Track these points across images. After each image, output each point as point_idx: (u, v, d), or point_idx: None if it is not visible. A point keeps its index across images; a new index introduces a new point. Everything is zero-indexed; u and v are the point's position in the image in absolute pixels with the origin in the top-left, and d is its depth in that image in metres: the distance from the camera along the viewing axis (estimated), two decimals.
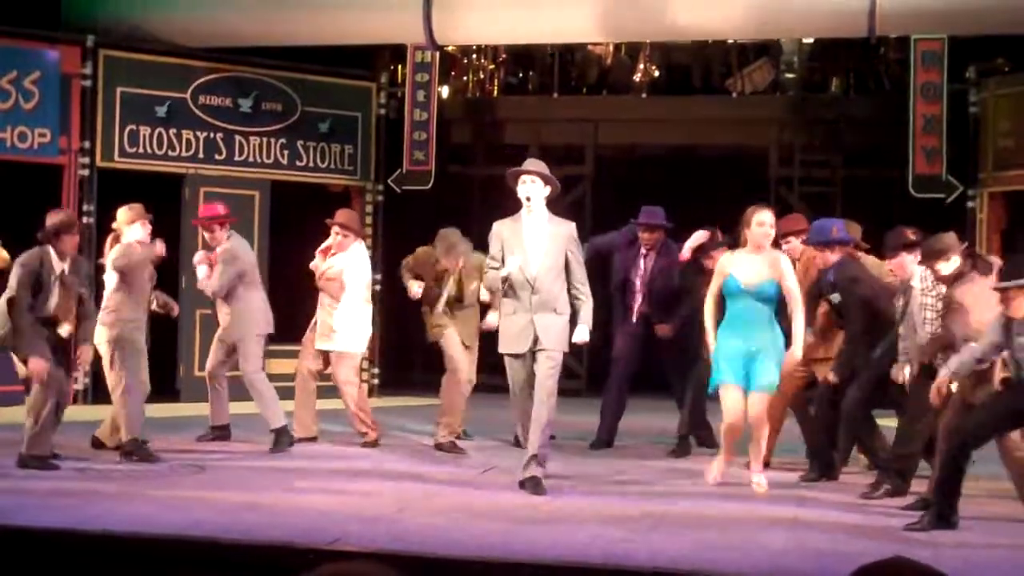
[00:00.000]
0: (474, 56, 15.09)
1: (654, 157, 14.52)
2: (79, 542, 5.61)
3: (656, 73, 14.86)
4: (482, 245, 8.23)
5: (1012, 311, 6.24)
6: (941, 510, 6.26)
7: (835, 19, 11.10)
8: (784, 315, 7.50)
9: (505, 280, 7.27)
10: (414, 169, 13.75)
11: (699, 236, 8.89)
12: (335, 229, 9.32)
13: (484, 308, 9.22)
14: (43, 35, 11.90)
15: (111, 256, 8.36)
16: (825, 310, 8.05)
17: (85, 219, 11.36)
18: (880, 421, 7.96)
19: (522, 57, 15.09)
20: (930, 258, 6.93)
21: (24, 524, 5.81)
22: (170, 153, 12.36)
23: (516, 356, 7.31)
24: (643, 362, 9.56)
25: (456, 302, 9.26)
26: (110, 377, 8.24)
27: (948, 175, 12.87)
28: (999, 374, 6.61)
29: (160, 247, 8.51)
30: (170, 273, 10.59)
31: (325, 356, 9.29)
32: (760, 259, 7.45)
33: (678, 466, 8.48)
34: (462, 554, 5.39)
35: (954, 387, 6.57)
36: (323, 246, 9.42)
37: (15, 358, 7.93)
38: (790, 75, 14.59)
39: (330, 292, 9.23)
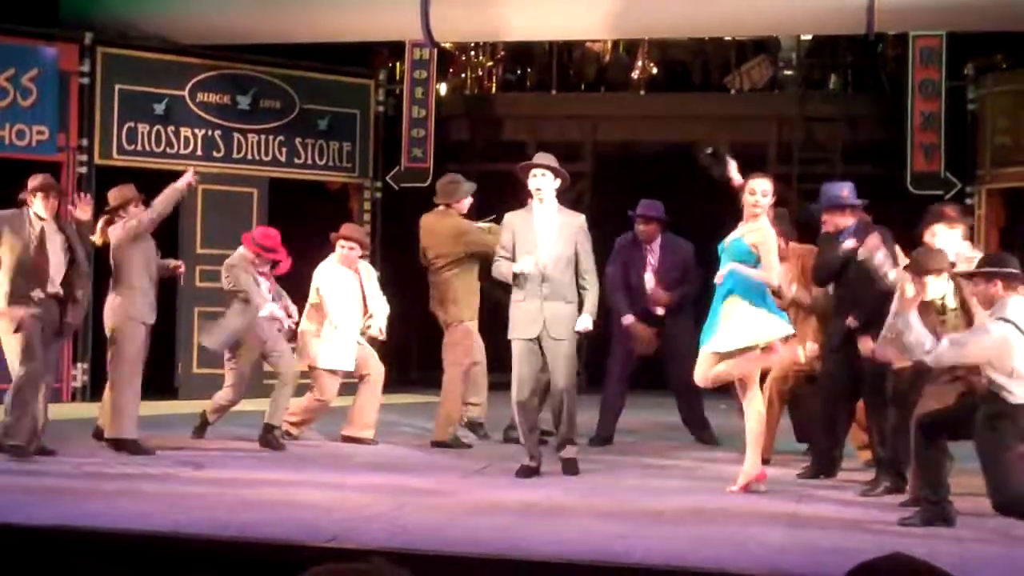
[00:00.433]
0: (472, 53, 15.09)
1: (652, 154, 14.51)
2: (75, 539, 5.59)
3: (654, 70, 14.87)
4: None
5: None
6: (932, 504, 6.21)
7: (834, 15, 11.11)
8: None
9: (516, 275, 7.57)
10: (412, 166, 13.75)
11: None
12: (340, 243, 9.20)
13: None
14: (41, 32, 11.90)
15: (113, 230, 8.27)
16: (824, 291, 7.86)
17: None
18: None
19: (520, 54, 15.08)
20: (920, 272, 6.50)
21: (21, 521, 5.80)
22: (168, 150, 12.35)
23: (526, 341, 7.54)
24: (643, 359, 9.56)
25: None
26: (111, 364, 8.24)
27: (946, 172, 12.88)
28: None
29: (191, 175, 8.67)
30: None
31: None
32: (747, 227, 7.24)
33: (677, 463, 8.49)
34: (460, 551, 5.39)
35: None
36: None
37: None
38: (788, 72, 14.60)
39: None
